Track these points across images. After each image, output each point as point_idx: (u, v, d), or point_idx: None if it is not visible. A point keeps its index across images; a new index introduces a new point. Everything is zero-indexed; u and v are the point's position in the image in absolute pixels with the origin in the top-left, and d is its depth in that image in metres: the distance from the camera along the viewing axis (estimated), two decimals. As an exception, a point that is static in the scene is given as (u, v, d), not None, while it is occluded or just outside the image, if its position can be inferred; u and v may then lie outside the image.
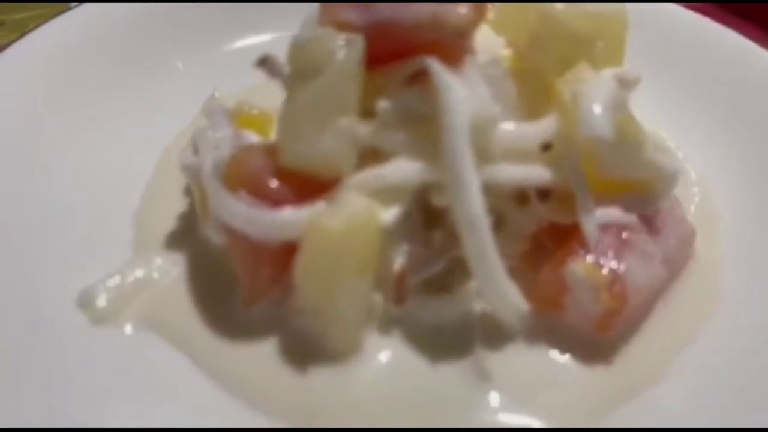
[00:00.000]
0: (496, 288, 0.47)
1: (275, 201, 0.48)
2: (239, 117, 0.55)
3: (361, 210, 0.47)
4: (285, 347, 0.49)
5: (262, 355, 0.48)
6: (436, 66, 0.48)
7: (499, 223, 0.52)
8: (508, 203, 0.52)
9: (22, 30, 0.71)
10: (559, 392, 0.48)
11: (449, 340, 0.50)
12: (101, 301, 0.50)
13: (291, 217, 0.46)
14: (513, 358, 0.49)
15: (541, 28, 0.51)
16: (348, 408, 0.46)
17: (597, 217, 0.50)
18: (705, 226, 0.58)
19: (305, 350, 0.48)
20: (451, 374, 0.48)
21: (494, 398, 0.47)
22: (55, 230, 0.54)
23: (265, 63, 0.49)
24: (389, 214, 0.48)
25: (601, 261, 0.48)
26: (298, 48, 0.48)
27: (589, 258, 0.48)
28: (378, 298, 0.50)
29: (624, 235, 0.50)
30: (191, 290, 0.52)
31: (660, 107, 0.65)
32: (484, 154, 0.48)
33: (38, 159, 0.58)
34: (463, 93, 0.47)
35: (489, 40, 0.53)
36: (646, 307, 0.51)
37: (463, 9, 0.48)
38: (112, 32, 0.69)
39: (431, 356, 0.49)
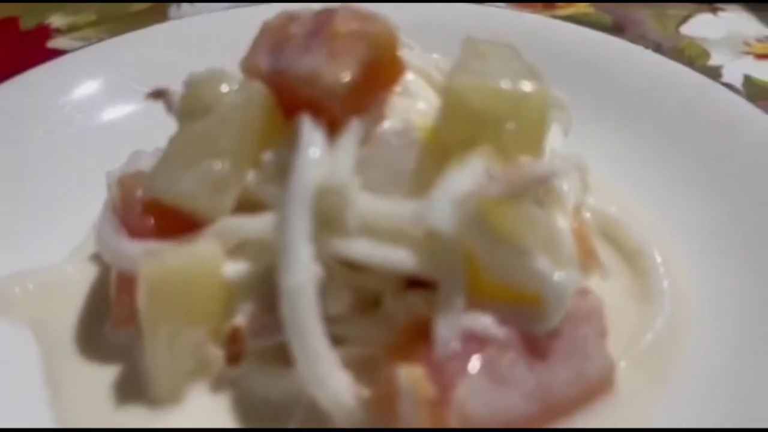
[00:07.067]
0: (314, 372, 0.43)
1: (137, 231, 0.48)
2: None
3: (197, 256, 0.45)
4: (119, 377, 0.48)
5: (96, 376, 0.48)
6: (306, 122, 0.45)
7: (373, 306, 0.48)
8: (386, 285, 0.47)
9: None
10: None
11: (270, 418, 0.46)
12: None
13: (127, 249, 0.46)
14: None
15: (444, 102, 0.45)
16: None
17: (459, 321, 0.43)
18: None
19: (131, 386, 0.48)
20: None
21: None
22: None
23: (159, 96, 0.49)
24: (235, 268, 0.46)
25: (437, 374, 0.41)
26: (190, 85, 0.48)
27: (425, 366, 0.42)
28: (219, 355, 0.47)
29: (483, 350, 0.42)
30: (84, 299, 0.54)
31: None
32: (335, 224, 0.44)
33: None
34: (316, 155, 0.44)
35: (408, 108, 0.48)
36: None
37: (345, 74, 0.44)
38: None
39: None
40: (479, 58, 0.47)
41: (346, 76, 0.44)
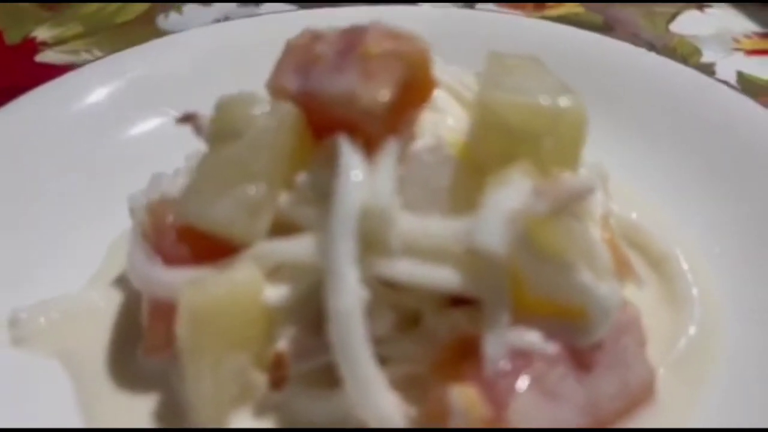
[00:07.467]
0: (364, 395, 0.43)
1: (172, 257, 0.47)
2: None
3: (237, 282, 0.45)
4: (156, 404, 0.48)
5: (132, 405, 0.48)
6: (345, 144, 0.45)
7: (413, 324, 0.48)
8: (426, 303, 0.47)
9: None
10: None
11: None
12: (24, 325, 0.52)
13: (163, 277, 0.46)
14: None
15: (478, 119, 0.46)
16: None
17: (507, 338, 0.43)
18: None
19: (169, 412, 0.47)
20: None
21: None
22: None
23: (188, 120, 0.49)
24: (275, 293, 0.46)
25: (489, 392, 0.42)
26: (219, 108, 0.48)
27: (477, 385, 0.42)
28: (262, 379, 0.47)
29: (532, 366, 0.43)
30: (111, 326, 0.53)
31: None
32: (378, 245, 0.44)
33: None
34: (358, 177, 0.43)
35: (438, 124, 0.48)
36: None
37: (383, 93, 0.44)
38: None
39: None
40: (507, 72, 0.47)
41: (384, 96, 0.44)
